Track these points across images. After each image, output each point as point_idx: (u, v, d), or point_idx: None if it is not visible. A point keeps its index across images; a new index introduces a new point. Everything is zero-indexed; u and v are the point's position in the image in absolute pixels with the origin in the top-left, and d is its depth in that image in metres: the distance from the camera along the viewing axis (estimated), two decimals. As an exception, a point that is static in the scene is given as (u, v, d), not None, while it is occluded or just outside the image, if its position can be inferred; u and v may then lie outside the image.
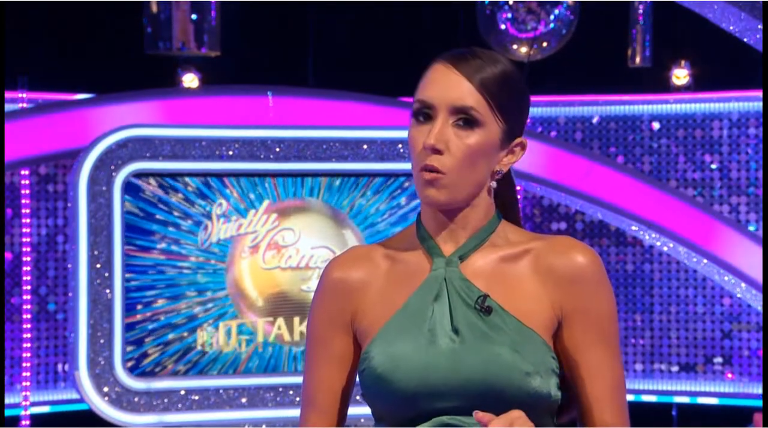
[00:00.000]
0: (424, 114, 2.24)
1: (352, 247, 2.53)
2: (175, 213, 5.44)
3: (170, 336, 5.48)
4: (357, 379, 2.37)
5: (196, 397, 5.47)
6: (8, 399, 6.34)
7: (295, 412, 5.50)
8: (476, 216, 2.31)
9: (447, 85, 2.25)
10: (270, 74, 6.16)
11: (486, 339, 2.22)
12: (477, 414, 2.07)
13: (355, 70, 6.64)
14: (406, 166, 5.56)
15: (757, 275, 6.19)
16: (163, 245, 5.43)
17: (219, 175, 5.48)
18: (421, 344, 2.24)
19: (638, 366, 6.81)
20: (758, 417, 5.33)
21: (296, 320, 5.57)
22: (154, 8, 6.18)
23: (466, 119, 2.23)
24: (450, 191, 2.25)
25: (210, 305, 5.51)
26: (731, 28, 5.36)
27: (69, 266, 5.55)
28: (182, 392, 5.47)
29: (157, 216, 5.42)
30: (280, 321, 5.60)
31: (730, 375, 6.72)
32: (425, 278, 2.30)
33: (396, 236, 2.42)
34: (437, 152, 2.21)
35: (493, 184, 2.31)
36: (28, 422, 6.30)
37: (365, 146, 5.59)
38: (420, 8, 6.79)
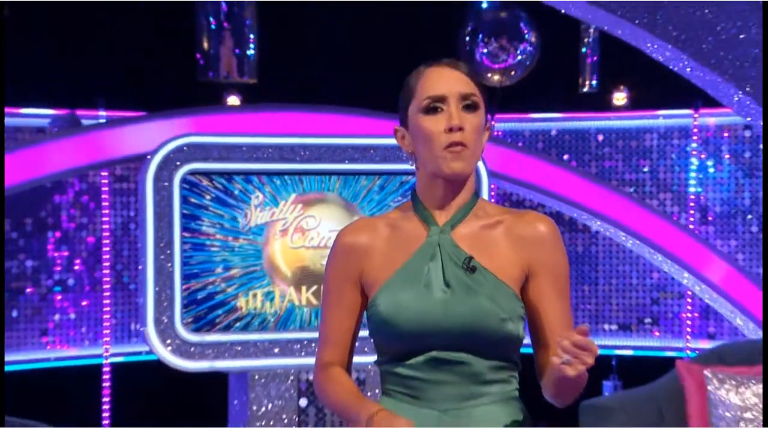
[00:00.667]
0: (435, 107, 2.27)
1: (359, 218, 2.54)
2: (222, 203, 5.42)
3: (218, 300, 5.47)
4: (363, 321, 2.42)
5: (239, 348, 5.45)
6: (92, 351, 6.34)
7: (309, 361, 5.47)
8: (464, 194, 2.33)
9: (451, 80, 2.28)
10: (292, 94, 6.15)
11: (471, 291, 2.25)
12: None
13: (359, 81, 6.63)
14: (404, 166, 5.54)
15: (679, 252, 6.17)
16: (212, 229, 5.41)
17: (256, 173, 5.47)
18: (419, 294, 2.27)
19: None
20: (680, 363, 5.29)
21: (315, 287, 5.55)
22: (206, 45, 6.17)
23: (470, 104, 2.27)
24: (470, 162, 2.29)
25: (249, 276, 5.50)
26: (660, 58, 5.32)
27: (139, 246, 5.52)
28: (228, 344, 5.45)
29: (208, 206, 5.40)
30: (304, 288, 5.58)
31: (657, 333, 6.70)
32: (423, 243, 2.32)
33: (395, 210, 2.43)
34: (461, 130, 2.24)
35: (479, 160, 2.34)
36: (108, 368, 6.29)
37: (372, 151, 5.59)
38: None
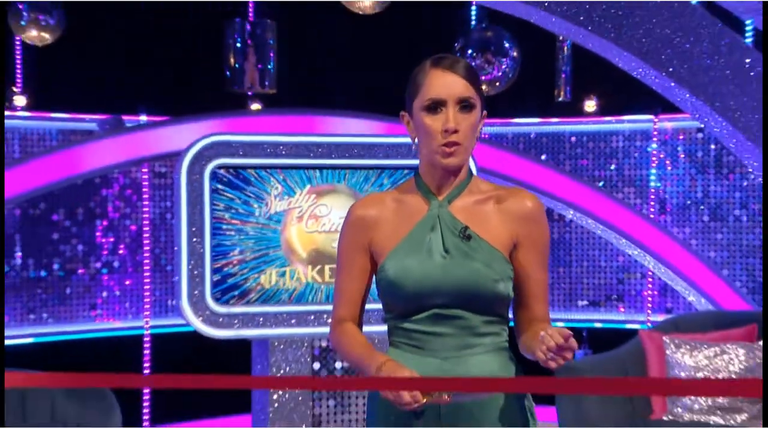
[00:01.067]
0: (435, 107, 2.27)
1: (369, 194, 2.55)
2: (245, 193, 5.40)
3: (243, 277, 5.44)
4: (372, 285, 2.44)
5: (261, 318, 5.43)
6: (134, 324, 6.32)
7: (327, 330, 5.46)
8: (460, 174, 2.34)
9: (450, 84, 2.28)
10: (305, 101, 6.16)
11: (467, 257, 2.28)
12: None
13: (363, 89, 6.63)
14: (404, 161, 5.53)
15: (641, 238, 6.16)
16: (237, 216, 5.39)
17: (275, 167, 5.44)
18: (422, 260, 2.28)
19: (561, 303, 6.76)
20: (642, 332, 5.27)
21: (327, 267, 5.52)
22: (232, 61, 6.17)
23: (467, 105, 2.28)
24: (463, 156, 2.32)
25: (270, 257, 5.47)
26: (625, 67, 5.31)
27: (174, 232, 5.51)
28: (251, 315, 5.43)
29: (233, 196, 5.38)
30: (317, 267, 5.54)
31: (622, 309, 6.68)
32: (424, 215, 2.34)
33: (400, 187, 2.43)
34: (456, 131, 2.26)
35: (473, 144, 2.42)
36: (148, 338, 6.28)
37: (375, 148, 5.57)
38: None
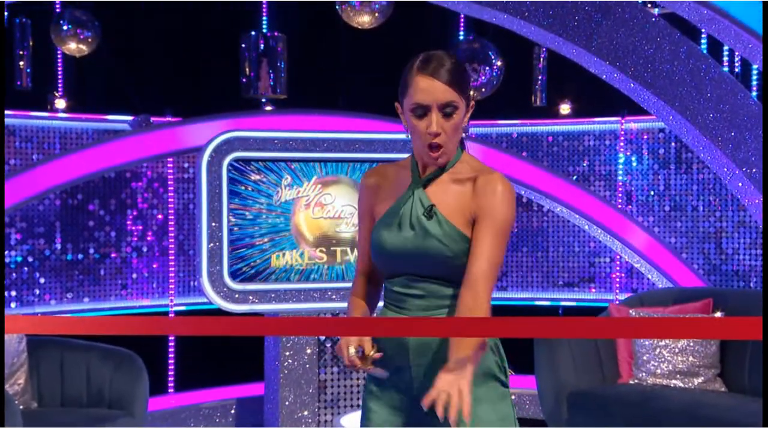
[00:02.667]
0: (421, 113, 2.24)
1: (378, 164, 2.54)
2: (259, 183, 5.39)
3: (257, 259, 5.43)
4: None
5: (273, 294, 5.42)
6: (160, 302, 6.29)
7: (330, 305, 5.45)
8: (447, 157, 2.31)
9: (433, 91, 2.22)
10: (313, 103, 6.15)
11: (427, 234, 2.28)
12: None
13: (364, 91, 6.63)
14: (401, 155, 5.53)
15: (610, 226, 6.14)
16: (251, 202, 5.38)
17: (285, 160, 5.44)
18: (394, 233, 2.30)
19: (540, 284, 6.74)
20: (612, 306, 5.26)
21: (332, 249, 5.51)
22: (247, 70, 6.15)
23: (449, 111, 2.23)
24: (447, 155, 2.30)
25: (280, 240, 5.46)
26: (596, 71, 5.31)
27: (196, 219, 5.50)
28: (264, 291, 5.43)
29: (248, 186, 5.37)
30: (323, 249, 5.53)
31: (593, 289, 6.66)
32: (405, 190, 2.35)
33: (403, 161, 2.41)
34: (438, 135, 2.24)
35: (464, 134, 2.34)
36: (173, 314, 6.26)
37: (375, 144, 5.58)
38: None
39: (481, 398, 2.25)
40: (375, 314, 2.52)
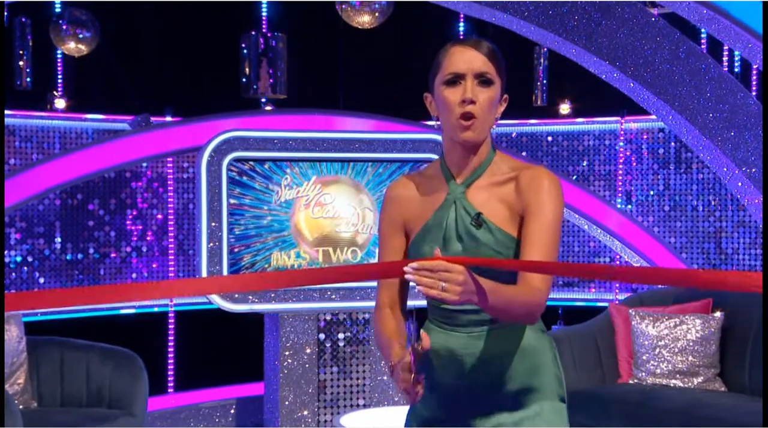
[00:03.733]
0: (454, 81, 2.10)
1: (401, 175, 2.41)
2: (259, 183, 5.38)
3: (256, 258, 5.42)
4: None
5: (272, 294, 5.41)
6: (160, 302, 6.28)
7: (330, 305, 5.44)
8: (480, 155, 2.16)
9: (470, 59, 2.10)
10: (312, 103, 6.14)
11: (478, 243, 2.12)
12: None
13: (363, 92, 6.63)
14: (400, 155, 5.52)
15: (610, 225, 6.14)
16: (251, 202, 5.37)
17: (285, 160, 5.43)
18: (440, 247, 2.10)
19: (539, 284, 6.75)
20: (611, 305, 5.25)
21: (330, 249, 5.50)
22: (247, 70, 6.15)
23: (484, 80, 2.11)
24: (480, 131, 2.12)
25: (280, 239, 5.45)
26: (596, 71, 5.30)
27: (196, 219, 5.49)
28: (264, 291, 5.41)
29: (248, 185, 5.36)
30: (321, 249, 5.52)
31: (593, 288, 6.66)
32: (443, 200, 2.18)
33: (426, 169, 2.25)
34: (473, 102, 2.09)
35: (494, 126, 2.17)
36: (173, 314, 6.26)
37: (375, 143, 5.56)
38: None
39: (541, 417, 2.13)
40: (415, 331, 2.35)
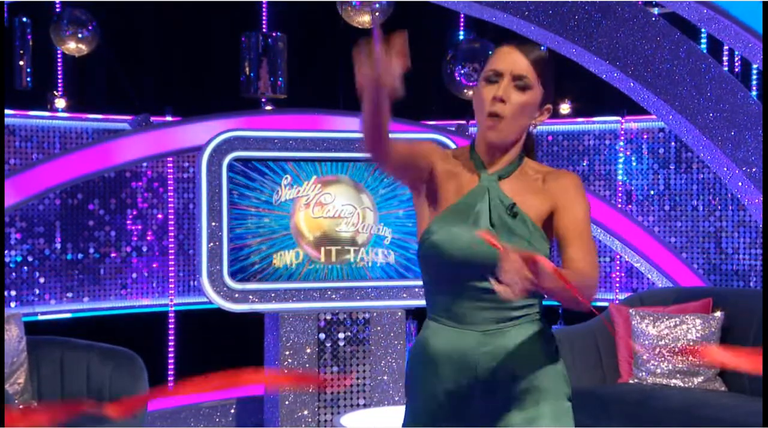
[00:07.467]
0: (492, 79, 2.10)
1: (450, 149, 2.32)
2: (259, 183, 5.38)
3: (256, 258, 5.42)
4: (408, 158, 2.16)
5: (273, 294, 5.42)
6: (160, 301, 6.28)
7: (329, 305, 5.44)
8: (512, 152, 2.16)
9: (512, 60, 2.10)
10: (312, 102, 6.13)
11: (511, 233, 2.09)
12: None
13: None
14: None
15: (611, 225, 6.14)
16: (251, 202, 5.38)
17: (285, 160, 5.44)
18: (468, 229, 2.07)
19: (539, 284, 6.74)
20: (611, 305, 5.26)
21: (331, 248, 5.51)
22: (247, 69, 6.15)
23: (521, 84, 2.09)
24: (504, 135, 2.11)
25: (280, 239, 5.46)
26: (596, 70, 5.30)
27: (196, 219, 5.49)
28: (264, 291, 5.43)
29: (249, 185, 5.36)
30: (322, 249, 5.52)
31: (594, 288, 6.65)
32: (474, 187, 2.14)
33: (455, 151, 2.23)
34: (502, 101, 2.08)
35: (533, 130, 2.17)
36: (173, 314, 6.25)
37: (374, 143, 5.53)
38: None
39: (551, 417, 2.09)
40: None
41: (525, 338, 2.11)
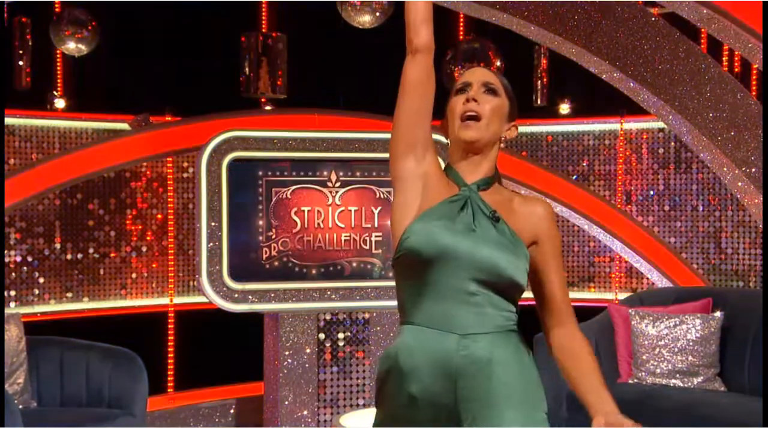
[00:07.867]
0: (463, 90, 2.18)
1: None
2: (258, 182, 5.38)
3: (257, 258, 5.40)
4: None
5: (272, 294, 5.42)
6: (159, 301, 6.29)
7: (329, 305, 5.43)
8: (486, 165, 2.17)
9: (480, 72, 2.22)
10: (312, 103, 6.13)
11: (493, 237, 2.11)
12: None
13: (362, 92, 6.64)
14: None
15: (610, 225, 6.14)
16: (250, 201, 5.36)
17: (285, 160, 5.43)
18: (451, 228, 2.13)
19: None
20: (610, 305, 5.25)
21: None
22: (247, 70, 6.15)
23: (491, 89, 2.17)
24: (481, 133, 2.14)
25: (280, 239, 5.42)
26: (595, 70, 5.30)
27: (196, 219, 5.48)
28: (263, 291, 5.43)
29: (248, 185, 5.36)
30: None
31: (593, 288, 6.66)
32: (456, 193, 2.15)
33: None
34: (475, 101, 2.14)
35: (502, 145, 2.21)
36: (173, 313, 6.25)
37: (374, 143, 5.56)
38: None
39: (520, 425, 2.08)
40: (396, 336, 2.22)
41: (503, 345, 2.10)
